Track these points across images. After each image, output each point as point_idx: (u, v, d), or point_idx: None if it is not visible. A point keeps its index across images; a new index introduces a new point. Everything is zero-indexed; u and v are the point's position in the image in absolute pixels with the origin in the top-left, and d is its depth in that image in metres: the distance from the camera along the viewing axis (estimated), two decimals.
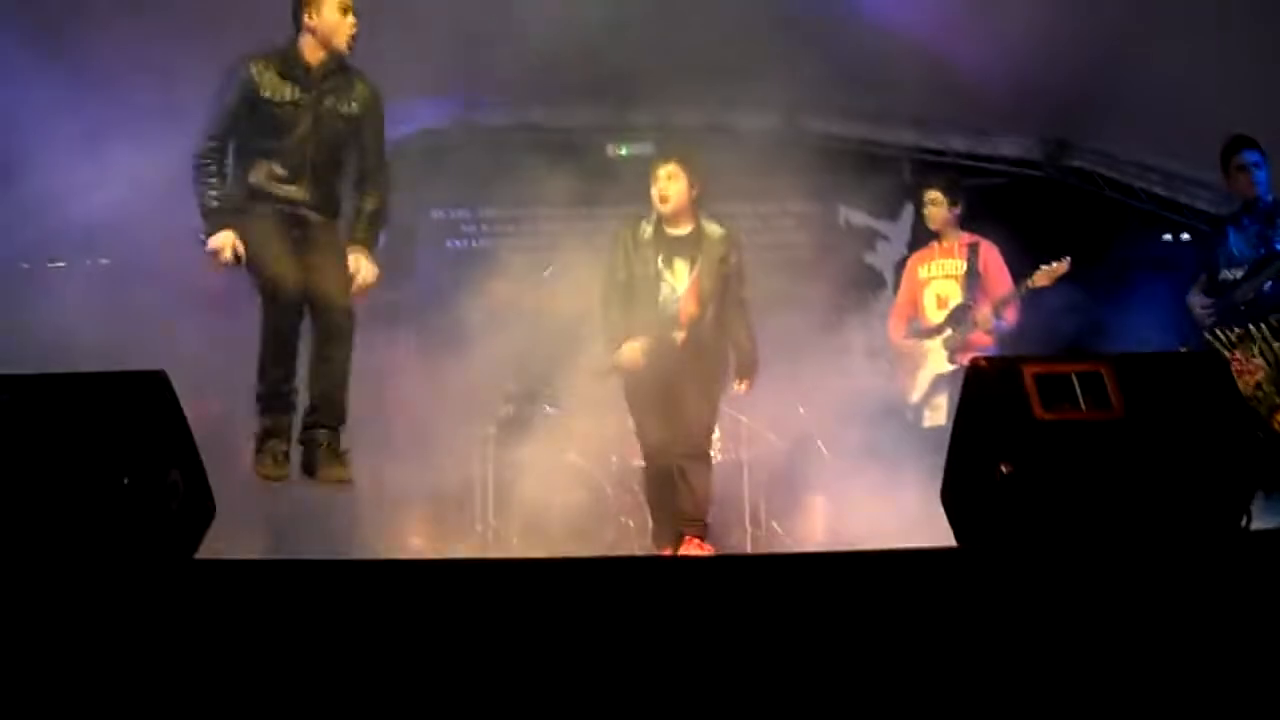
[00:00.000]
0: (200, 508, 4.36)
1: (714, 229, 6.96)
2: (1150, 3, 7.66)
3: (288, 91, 5.81)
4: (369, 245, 6.07)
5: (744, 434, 8.62)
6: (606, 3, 8.19)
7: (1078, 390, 4.08)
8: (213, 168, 5.83)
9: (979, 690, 3.25)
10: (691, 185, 6.87)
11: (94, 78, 7.46)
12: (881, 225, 10.71)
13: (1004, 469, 4.00)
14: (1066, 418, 4.03)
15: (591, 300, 9.40)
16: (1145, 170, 10.40)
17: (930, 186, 7.81)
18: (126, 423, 4.12)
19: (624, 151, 10.66)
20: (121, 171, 7.50)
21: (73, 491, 3.96)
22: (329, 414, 5.93)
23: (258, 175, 5.86)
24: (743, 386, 7.09)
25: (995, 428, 4.09)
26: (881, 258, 10.63)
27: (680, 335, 6.82)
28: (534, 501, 8.33)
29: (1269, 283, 6.95)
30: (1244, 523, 4.08)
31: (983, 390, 4.19)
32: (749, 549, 8.25)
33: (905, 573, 3.71)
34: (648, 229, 6.92)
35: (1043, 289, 7.40)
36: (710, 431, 7.16)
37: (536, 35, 8.54)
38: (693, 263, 6.88)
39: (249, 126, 5.86)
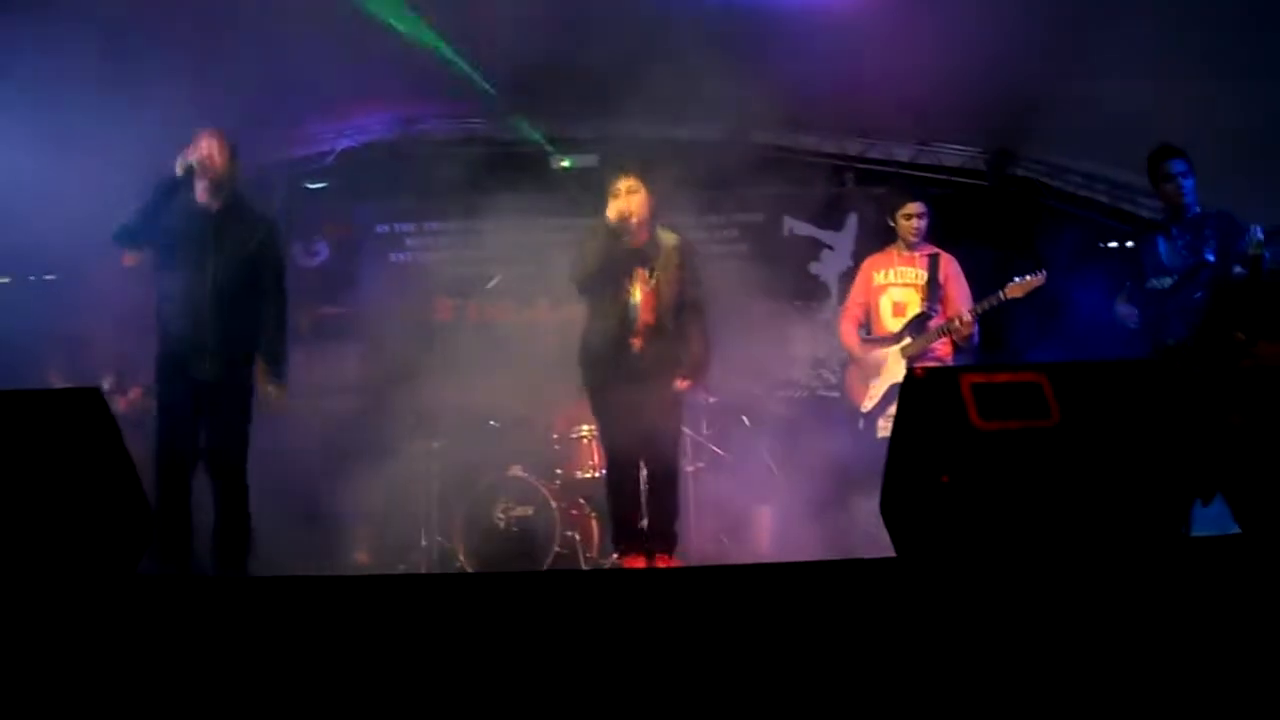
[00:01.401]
0: (137, 525, 4.33)
1: (669, 238, 6.98)
2: (1093, 14, 7.66)
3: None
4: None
5: (688, 447, 8.58)
6: (550, 17, 8.13)
7: (1016, 400, 4.09)
8: None
9: (918, 697, 3.25)
10: (650, 197, 6.89)
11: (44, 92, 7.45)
12: (826, 235, 10.70)
13: (943, 479, 3.99)
14: (1005, 427, 4.03)
15: (536, 314, 9.49)
16: (1089, 179, 10.46)
17: (912, 200, 7.79)
18: (60, 440, 4.10)
19: (567, 164, 10.66)
20: (72, 187, 7.50)
21: (4, 509, 3.92)
22: None
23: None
24: (683, 384, 7.01)
25: (933, 438, 4.08)
26: (826, 267, 10.62)
27: (637, 343, 6.81)
28: (479, 516, 8.25)
29: (1199, 293, 6.99)
30: (1183, 530, 4.09)
31: (921, 400, 4.18)
32: (694, 563, 8.22)
33: (844, 583, 3.71)
34: (609, 240, 6.85)
35: (1014, 300, 7.37)
36: (677, 442, 7.20)
37: (480, 49, 8.55)
38: (650, 273, 6.88)
39: None
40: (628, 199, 6.82)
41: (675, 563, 6.87)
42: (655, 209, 6.96)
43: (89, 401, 4.27)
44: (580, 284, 6.96)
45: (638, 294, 6.88)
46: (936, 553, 4.03)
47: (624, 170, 6.97)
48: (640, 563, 6.79)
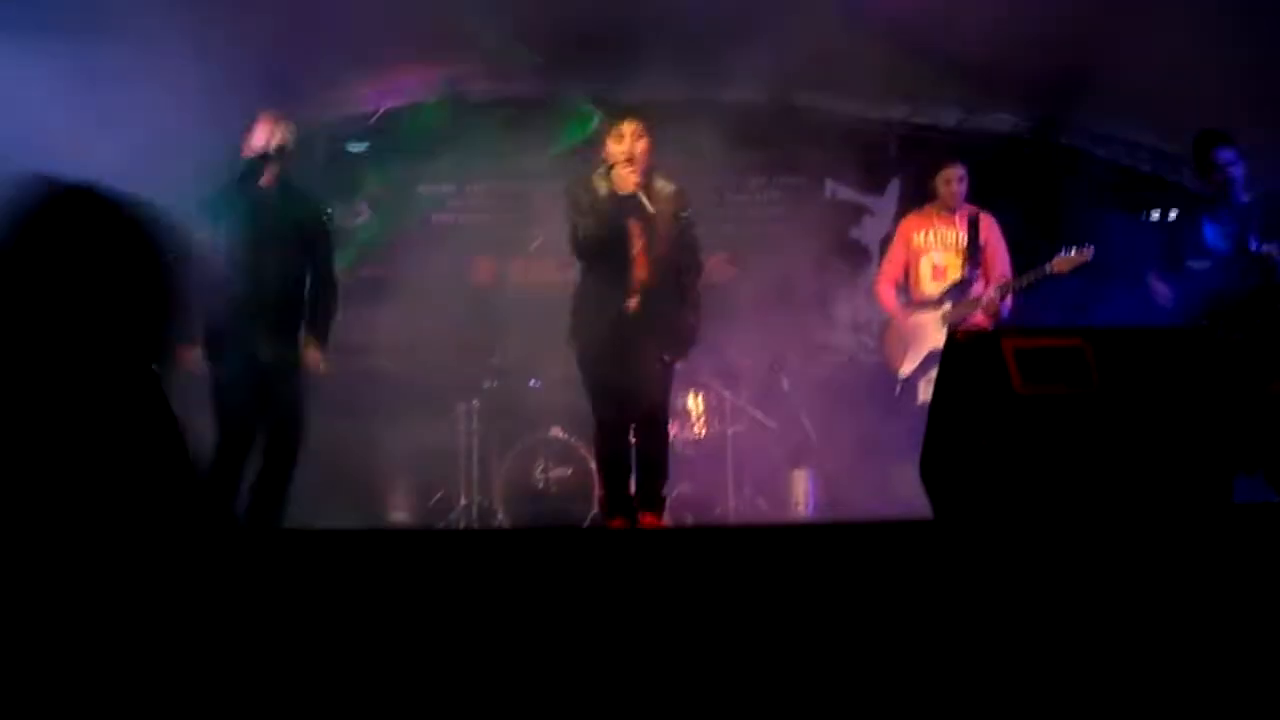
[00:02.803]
0: (188, 501, 4.34)
1: (666, 187, 6.70)
2: None
3: None
4: None
5: (728, 409, 8.60)
6: None
7: (1057, 365, 4.08)
8: None
9: (954, 665, 3.25)
10: (650, 145, 6.63)
11: (102, 69, 7.46)
12: (868, 200, 10.67)
13: (982, 443, 3.99)
14: (1045, 392, 4.02)
15: (578, 274, 9.47)
16: (1133, 149, 10.37)
17: (951, 163, 7.74)
18: (109, 409, 4.11)
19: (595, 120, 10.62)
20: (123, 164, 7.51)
21: (59, 488, 3.94)
22: None
23: None
24: (672, 359, 6.80)
25: (974, 402, 4.07)
26: (868, 232, 10.57)
27: (633, 301, 6.54)
28: (519, 476, 8.32)
29: (1236, 281, 6.91)
30: (1227, 499, 4.08)
31: (962, 364, 4.17)
32: (730, 521, 8.25)
33: (881, 545, 3.71)
34: (603, 187, 6.59)
35: (1059, 275, 7.30)
36: (665, 399, 6.90)
37: (521, 7, 8.51)
38: (645, 224, 6.58)
39: None
40: (634, 143, 6.56)
41: (662, 523, 6.71)
42: (651, 155, 6.67)
43: (142, 378, 4.29)
44: (584, 253, 6.71)
45: (634, 248, 6.60)
46: (975, 517, 4.03)
47: (623, 114, 6.80)
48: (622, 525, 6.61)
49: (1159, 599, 3.36)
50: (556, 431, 8.54)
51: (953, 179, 7.62)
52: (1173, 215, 8.89)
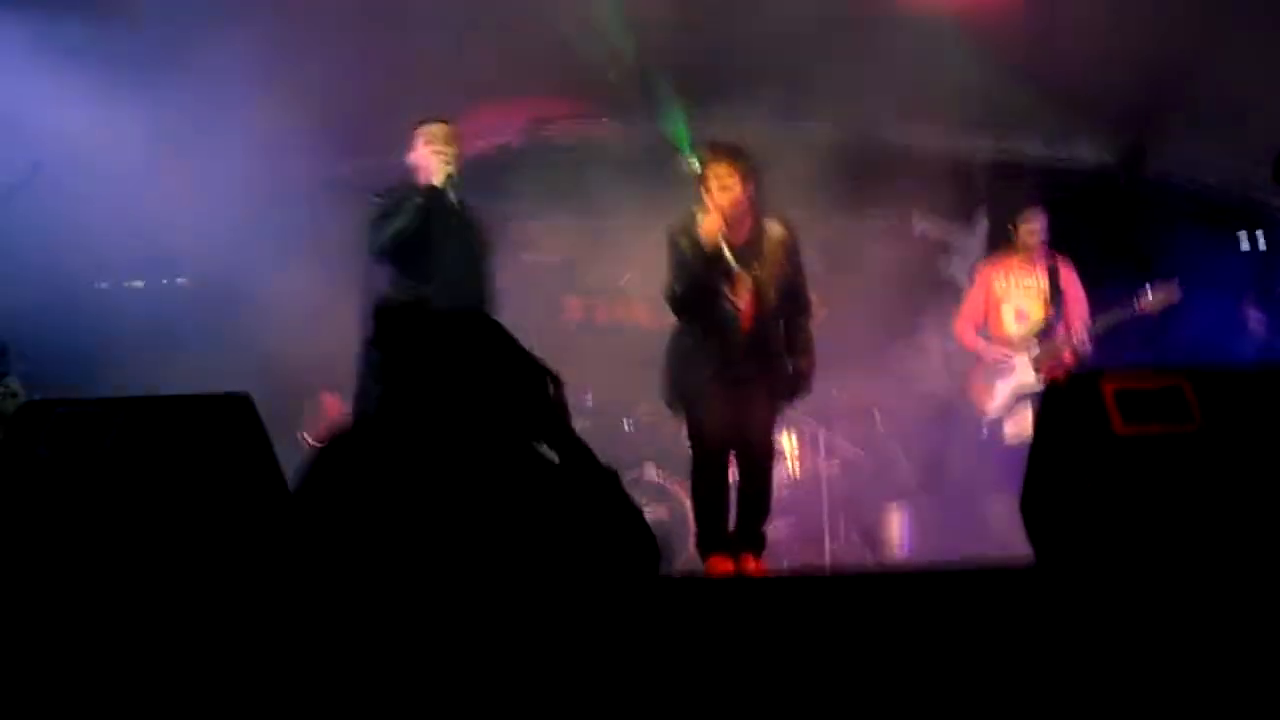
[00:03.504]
0: (284, 537, 4.40)
1: (775, 230, 6.53)
2: (1228, 6, 7.54)
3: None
4: None
5: (822, 444, 8.60)
6: (674, 14, 8.14)
7: (1157, 404, 4.06)
8: None
9: (1056, 709, 3.25)
10: (747, 183, 6.41)
11: (180, 98, 7.57)
12: (955, 233, 10.65)
13: (1083, 485, 3.98)
14: (1145, 432, 4.01)
15: (668, 313, 9.48)
16: (1223, 174, 10.27)
17: (1033, 212, 7.71)
18: (208, 448, 4.18)
19: (696, 163, 10.63)
20: (201, 191, 7.63)
21: (151, 519, 4.00)
22: None
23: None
24: (779, 403, 6.69)
25: (1074, 444, 4.07)
26: (956, 266, 10.56)
27: (737, 353, 6.45)
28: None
29: None
30: None
31: (1061, 406, 4.17)
32: (827, 561, 8.23)
33: (983, 589, 3.71)
34: (695, 239, 6.40)
35: (1146, 315, 7.26)
36: (769, 434, 6.77)
37: (599, 43, 8.60)
38: (751, 272, 6.42)
39: None
40: (720, 194, 6.35)
41: (763, 565, 6.61)
42: (758, 196, 6.51)
43: (239, 408, 4.36)
44: (676, 308, 6.57)
45: (739, 302, 6.41)
46: (1077, 558, 4.01)
47: (714, 156, 6.53)
48: (728, 566, 6.44)
49: (1261, 641, 3.35)
50: (651, 471, 8.56)
51: (1036, 230, 7.65)
52: (1262, 242, 8.83)
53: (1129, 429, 3.99)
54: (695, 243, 6.39)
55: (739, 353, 6.43)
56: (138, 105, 7.54)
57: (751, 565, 6.45)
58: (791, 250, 6.57)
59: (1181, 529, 3.92)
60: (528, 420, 3.28)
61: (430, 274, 6.42)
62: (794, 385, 6.64)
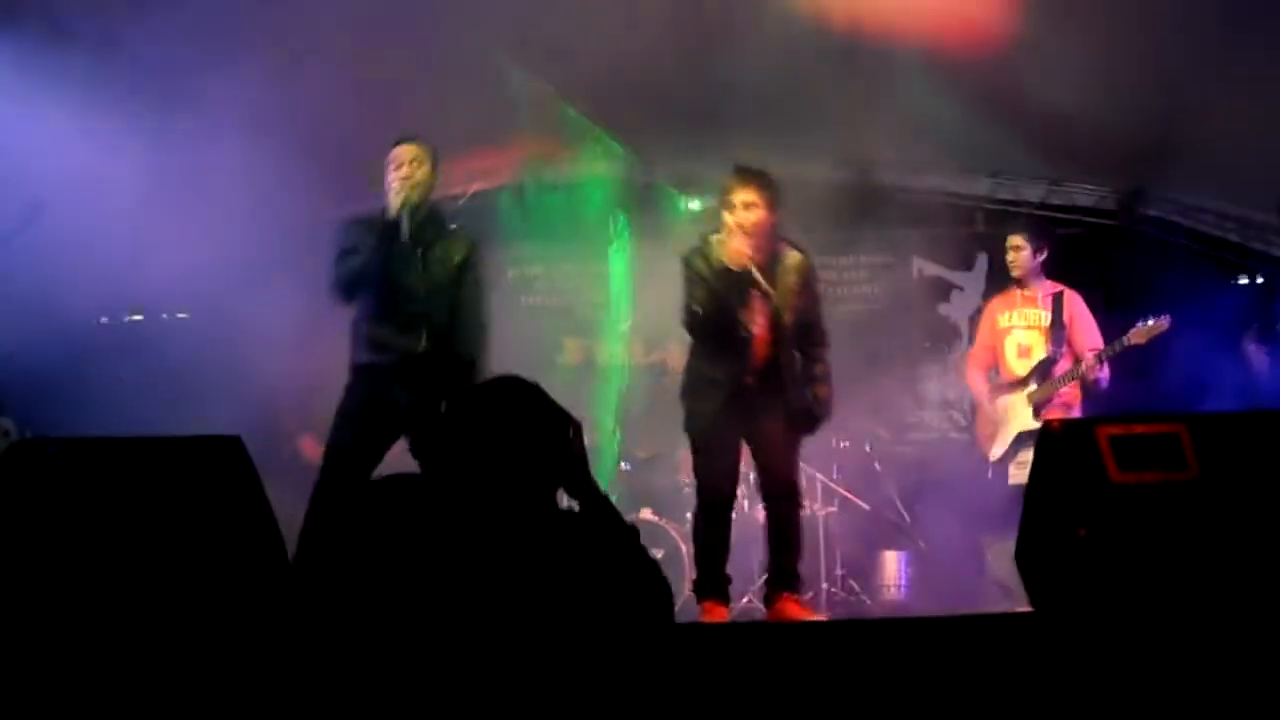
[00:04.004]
0: (274, 579, 4.38)
1: (793, 257, 6.31)
2: (1222, 48, 7.55)
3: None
4: None
5: (819, 490, 8.58)
6: (675, 55, 8.19)
7: (1153, 452, 4.04)
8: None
9: None
10: (771, 210, 6.17)
11: (180, 138, 7.60)
12: (956, 276, 10.67)
13: (1080, 532, 3.96)
14: (1141, 480, 3.99)
15: (666, 355, 9.46)
16: (1221, 218, 10.28)
17: (1014, 232, 7.70)
18: (200, 489, 4.17)
19: (696, 205, 10.65)
20: (201, 227, 7.66)
21: (144, 560, 4.00)
22: None
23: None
24: (801, 432, 6.38)
25: (1070, 491, 4.05)
26: (956, 309, 10.57)
27: (750, 380, 6.16)
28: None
29: None
30: None
31: (1057, 453, 4.15)
32: (824, 607, 8.21)
33: (980, 637, 3.69)
34: (716, 260, 6.16)
35: (1137, 346, 7.24)
36: (795, 469, 6.44)
37: (606, 88, 8.60)
38: (768, 300, 6.16)
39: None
40: (744, 214, 6.11)
41: (808, 611, 6.43)
42: (777, 223, 6.25)
43: (229, 451, 4.35)
44: (695, 330, 6.31)
45: (753, 326, 6.17)
46: (1073, 607, 3.99)
47: (741, 180, 6.24)
48: (722, 613, 6.23)
49: (1257, 687, 3.33)
50: (647, 514, 8.50)
51: (1010, 246, 7.60)
52: (1260, 280, 8.84)
53: (1124, 477, 3.98)
54: (712, 264, 6.18)
55: (753, 380, 6.20)
56: (138, 144, 7.54)
57: (795, 610, 6.18)
58: (809, 278, 6.38)
59: (1178, 577, 3.91)
60: (551, 470, 3.30)
61: (400, 312, 6.07)
62: (812, 416, 6.37)
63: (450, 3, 7.59)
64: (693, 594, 6.42)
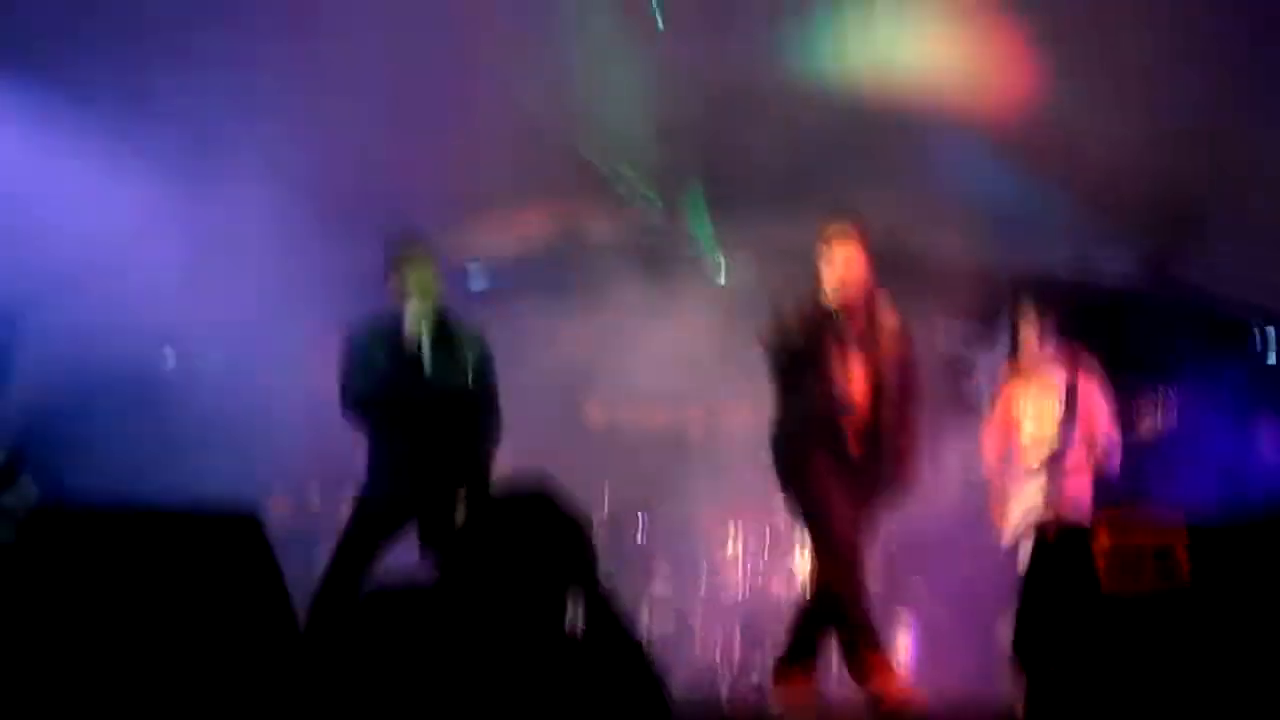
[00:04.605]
0: (290, 656, 4.45)
1: (890, 319, 6.24)
2: (1254, 114, 7.58)
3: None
4: None
5: None
6: (700, 119, 8.25)
7: (1147, 561, 4.08)
8: None
9: None
10: (869, 267, 6.16)
11: (206, 190, 7.69)
12: (978, 344, 10.65)
13: (1070, 642, 4.01)
14: (1134, 590, 4.03)
15: (688, 418, 9.50)
16: (1248, 285, 10.26)
17: (1026, 313, 7.74)
18: (217, 565, 4.26)
19: (724, 269, 10.69)
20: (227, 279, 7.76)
21: (160, 632, 4.07)
22: None
23: None
24: (889, 497, 6.26)
25: (1062, 600, 4.10)
26: (978, 378, 10.54)
27: (848, 423, 6.03)
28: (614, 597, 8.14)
29: None
30: None
31: (1050, 561, 4.20)
32: (833, 680, 8.20)
33: None
34: (816, 310, 6.07)
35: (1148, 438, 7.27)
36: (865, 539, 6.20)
37: (629, 149, 8.73)
38: (865, 359, 6.06)
39: None
40: (844, 268, 6.04)
41: (907, 690, 6.01)
42: (873, 282, 6.18)
43: (249, 529, 4.44)
44: (776, 354, 6.12)
45: (850, 375, 6.04)
46: (1065, 714, 4.03)
47: (841, 233, 6.19)
48: (807, 687, 6.03)
49: None
50: (661, 586, 8.61)
51: (1032, 334, 7.65)
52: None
53: (1117, 587, 4.02)
54: (804, 312, 6.10)
55: (851, 438, 6.07)
56: (165, 198, 7.66)
57: (893, 687, 5.90)
58: (907, 341, 6.29)
59: (1171, 687, 3.94)
60: (565, 578, 3.37)
61: (415, 422, 6.16)
62: (899, 485, 6.27)
63: (480, 65, 7.65)
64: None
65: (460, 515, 5.83)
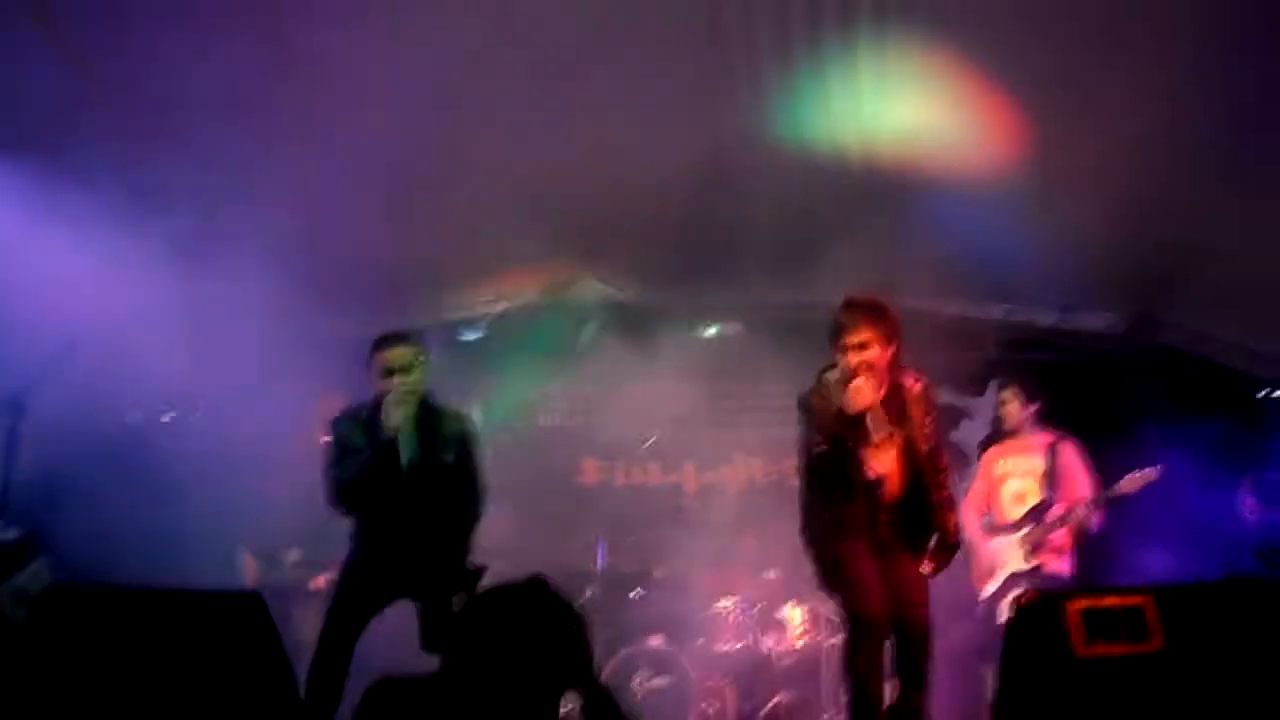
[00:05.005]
0: None
1: (914, 387, 6.07)
2: (1237, 178, 7.67)
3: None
4: None
5: (822, 622, 8.73)
6: (692, 186, 8.34)
7: (1119, 624, 4.22)
8: None
9: None
10: (887, 346, 5.95)
11: (212, 260, 7.82)
12: (967, 403, 10.78)
13: (1046, 707, 4.13)
14: (1106, 653, 4.16)
15: (682, 477, 9.60)
16: (1230, 347, 10.37)
17: (1006, 385, 7.90)
18: (222, 642, 4.39)
19: (713, 332, 10.82)
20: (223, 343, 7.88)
21: (169, 710, 4.21)
22: None
23: None
24: (928, 567, 6.10)
25: (1037, 665, 4.23)
26: (966, 435, 10.67)
27: (885, 519, 5.94)
28: (616, 687, 8.23)
29: None
30: None
31: (1026, 627, 4.34)
32: None
33: None
34: (838, 400, 5.86)
35: (1127, 494, 7.39)
36: (928, 601, 6.12)
37: (624, 215, 8.78)
38: (893, 433, 5.88)
39: None
40: (857, 358, 5.86)
41: None
42: (896, 354, 6.00)
43: (252, 607, 4.58)
44: (815, 474, 6.06)
45: (881, 468, 5.87)
46: None
47: (851, 319, 5.96)
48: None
49: None
50: (656, 640, 8.66)
51: (1003, 401, 7.82)
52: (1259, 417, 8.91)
53: (1090, 650, 4.16)
54: (830, 408, 5.94)
55: (888, 520, 5.98)
56: (171, 269, 7.75)
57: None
58: (930, 406, 6.12)
59: None
60: (560, 669, 3.52)
61: (388, 512, 6.21)
62: (948, 547, 6.12)
63: (473, 136, 7.78)
64: None
65: (446, 596, 6.11)
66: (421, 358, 6.33)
